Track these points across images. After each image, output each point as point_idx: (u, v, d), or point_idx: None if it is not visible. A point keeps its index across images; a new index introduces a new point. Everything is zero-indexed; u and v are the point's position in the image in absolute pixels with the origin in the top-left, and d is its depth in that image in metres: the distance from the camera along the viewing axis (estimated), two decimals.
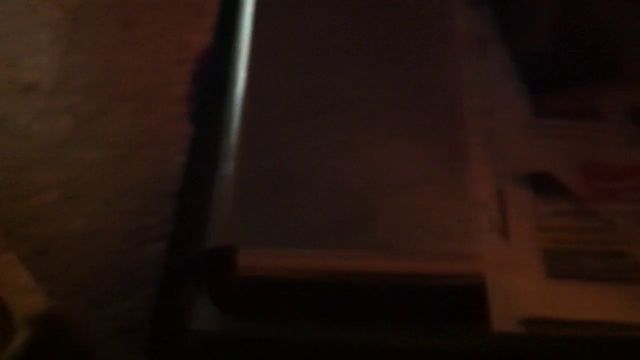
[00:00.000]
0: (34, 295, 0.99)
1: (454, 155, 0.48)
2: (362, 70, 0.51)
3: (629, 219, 0.45)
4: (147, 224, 1.01)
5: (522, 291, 0.46)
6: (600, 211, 0.45)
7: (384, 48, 0.52)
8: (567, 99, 0.50)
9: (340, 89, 0.50)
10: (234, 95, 0.51)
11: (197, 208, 0.50)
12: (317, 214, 0.44)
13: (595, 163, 0.47)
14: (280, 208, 0.45)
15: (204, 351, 0.47)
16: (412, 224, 0.45)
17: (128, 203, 1.02)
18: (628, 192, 0.47)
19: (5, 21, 1.19)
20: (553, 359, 0.43)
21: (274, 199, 0.45)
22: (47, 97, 1.10)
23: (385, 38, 0.52)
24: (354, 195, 0.45)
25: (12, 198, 1.01)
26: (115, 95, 1.11)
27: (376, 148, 0.48)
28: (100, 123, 1.08)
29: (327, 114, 0.48)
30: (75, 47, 1.16)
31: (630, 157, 0.49)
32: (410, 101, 0.50)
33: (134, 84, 1.12)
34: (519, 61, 0.52)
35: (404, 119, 0.49)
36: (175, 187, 1.07)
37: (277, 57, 0.52)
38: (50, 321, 0.96)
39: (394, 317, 0.45)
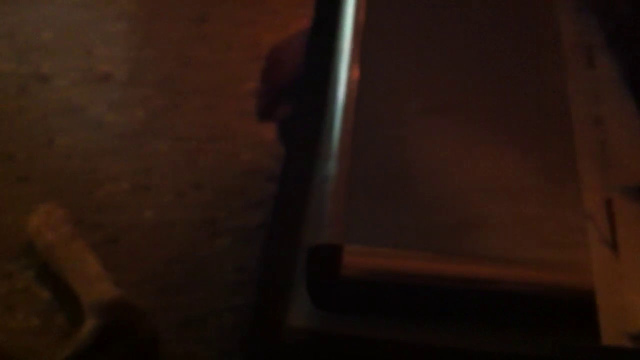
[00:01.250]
0: (103, 284, 1.01)
1: (562, 164, 0.47)
2: (471, 74, 0.50)
3: None
4: (216, 217, 1.02)
5: (633, 305, 0.45)
6: None
7: (492, 52, 0.51)
8: None
9: (449, 92, 0.49)
10: (335, 94, 0.51)
11: (294, 205, 0.50)
12: (425, 216, 0.44)
13: None
14: (387, 208, 0.44)
15: (301, 347, 0.47)
16: (520, 232, 0.45)
17: (198, 196, 1.03)
18: None
19: (81, 12, 1.21)
20: None
21: (381, 199, 0.44)
22: (121, 88, 1.12)
23: (493, 42, 0.52)
24: (463, 200, 0.45)
25: (86, 186, 1.03)
26: (188, 89, 1.13)
27: (485, 153, 0.47)
28: (172, 116, 1.09)
29: (436, 116, 0.47)
30: (150, 40, 1.18)
31: None
32: (518, 107, 0.49)
33: (206, 79, 1.14)
34: (628, 69, 0.51)
35: (512, 125, 0.49)
36: (241, 182, 1.08)
37: (385, 56, 0.51)
38: (118, 309, 0.98)
39: (496, 323, 0.44)
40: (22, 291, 0.95)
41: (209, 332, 0.93)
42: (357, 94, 0.48)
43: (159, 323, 0.92)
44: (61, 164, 1.03)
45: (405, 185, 0.45)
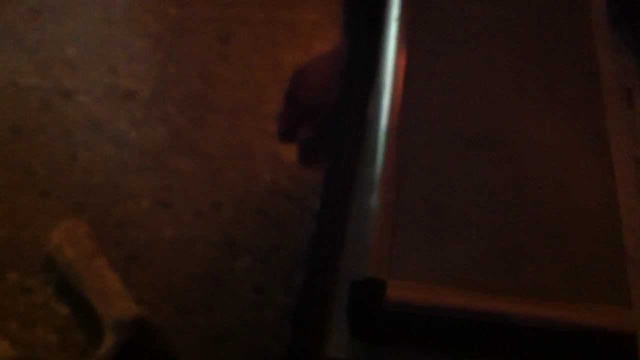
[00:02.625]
0: (123, 301, 1.01)
1: (603, 204, 0.47)
2: (514, 109, 0.51)
3: None
4: (235, 237, 1.02)
5: None
6: None
7: (535, 89, 0.52)
8: None
9: (493, 126, 0.50)
10: (377, 125, 0.51)
11: (333, 236, 0.50)
12: (468, 252, 0.44)
13: None
14: (432, 243, 0.44)
15: None
16: (562, 271, 0.45)
17: (218, 214, 1.04)
18: None
19: (105, 28, 1.22)
20: None
21: (425, 233, 0.45)
22: (144, 106, 1.13)
23: (536, 79, 0.52)
24: (506, 237, 0.45)
25: (106, 202, 1.03)
26: (210, 108, 1.13)
27: (528, 189, 0.47)
28: (194, 134, 1.10)
29: (480, 150, 0.48)
30: (173, 58, 1.18)
31: None
32: (560, 145, 0.49)
33: (228, 98, 1.14)
34: None
35: (554, 163, 0.49)
36: (261, 202, 1.09)
37: (428, 89, 0.51)
38: (138, 327, 0.98)
39: None
40: (42, 307, 0.95)
41: (226, 352, 0.92)
42: (399, 126, 0.48)
43: (176, 342, 0.93)
44: (82, 180, 1.04)
45: (448, 220, 0.45)
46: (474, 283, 0.43)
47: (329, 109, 1.07)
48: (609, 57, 0.54)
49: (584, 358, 0.43)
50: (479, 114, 0.50)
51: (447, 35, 0.54)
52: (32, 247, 0.98)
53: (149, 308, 0.92)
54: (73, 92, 1.13)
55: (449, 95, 0.51)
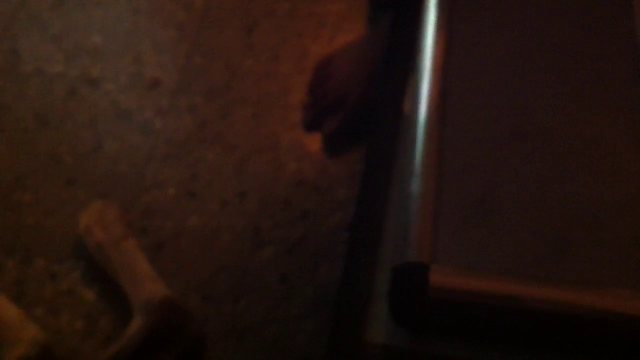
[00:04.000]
0: (153, 284, 1.01)
1: None
2: (557, 100, 0.50)
3: None
4: (261, 227, 1.02)
5: None
6: None
7: (578, 79, 0.51)
8: None
9: (536, 117, 0.50)
10: (417, 112, 0.51)
11: (373, 222, 0.50)
12: (512, 239, 0.44)
13: None
14: (474, 230, 0.44)
15: None
16: (608, 258, 0.45)
17: (243, 205, 1.04)
18: None
19: (131, 17, 1.22)
20: None
21: (469, 220, 0.45)
22: (170, 96, 1.13)
23: (580, 70, 0.52)
24: (552, 225, 0.45)
25: (132, 191, 1.03)
26: (235, 98, 1.13)
27: (572, 179, 0.47)
28: (220, 125, 1.10)
29: (524, 141, 0.48)
30: (199, 49, 1.18)
31: None
32: (601, 138, 0.49)
33: (255, 89, 1.14)
34: None
35: (597, 151, 0.49)
36: (286, 193, 1.09)
37: (470, 77, 0.51)
38: (167, 309, 0.97)
39: (581, 350, 0.44)
40: (68, 293, 0.95)
41: (252, 343, 0.92)
42: (441, 118, 0.48)
43: (206, 331, 0.93)
44: (109, 169, 1.04)
45: (492, 208, 0.45)
46: (517, 271, 0.43)
47: (356, 100, 1.07)
48: None
49: (628, 346, 0.43)
50: (521, 104, 0.50)
51: (488, 24, 0.54)
52: (59, 235, 0.99)
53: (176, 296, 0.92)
54: (99, 81, 1.14)
55: (490, 85, 0.51)
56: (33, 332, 0.88)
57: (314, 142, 1.08)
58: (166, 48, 1.19)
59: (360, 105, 1.06)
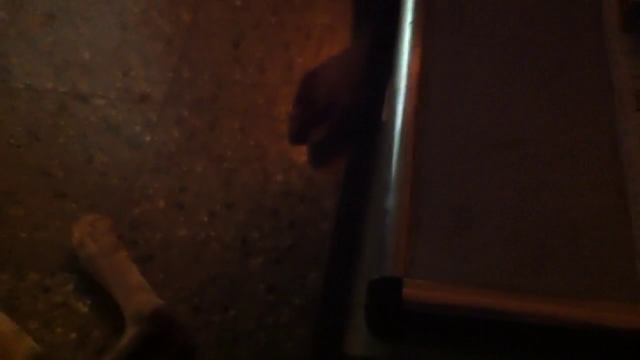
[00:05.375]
0: (144, 294, 1.02)
1: (616, 206, 0.49)
2: (532, 112, 0.52)
3: None
4: (249, 237, 1.04)
5: None
6: None
7: (549, 91, 0.53)
8: None
9: (511, 129, 0.51)
10: (393, 126, 0.52)
11: (352, 235, 0.52)
12: (489, 251, 0.45)
13: None
14: (452, 243, 0.45)
15: None
16: (579, 270, 0.46)
17: (231, 215, 1.05)
18: None
19: (119, 32, 1.24)
20: None
21: (447, 233, 0.46)
22: (159, 109, 1.15)
23: (552, 83, 0.53)
24: (529, 236, 0.46)
25: (122, 203, 1.05)
26: (224, 110, 1.15)
27: (546, 190, 0.49)
28: (207, 136, 1.11)
29: (499, 152, 0.49)
30: (187, 62, 1.20)
31: None
32: (574, 147, 0.51)
33: (242, 101, 1.16)
34: None
35: (571, 163, 0.50)
36: (274, 203, 1.10)
37: (445, 90, 0.52)
38: (159, 319, 0.99)
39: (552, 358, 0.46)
40: (61, 305, 0.97)
41: (242, 351, 0.94)
42: (417, 128, 0.50)
43: (195, 340, 0.94)
44: (99, 182, 1.06)
45: (469, 219, 0.46)
46: (491, 282, 0.44)
47: (340, 111, 1.08)
48: (620, 60, 0.55)
49: (601, 354, 0.45)
50: (498, 115, 0.52)
51: (462, 38, 0.56)
52: (50, 248, 1.00)
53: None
54: (88, 96, 1.15)
55: (465, 97, 0.53)
56: (28, 345, 0.90)
57: (300, 153, 1.10)
58: (154, 61, 1.20)
59: (346, 115, 1.07)
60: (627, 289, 0.45)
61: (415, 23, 0.57)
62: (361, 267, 0.50)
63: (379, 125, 0.57)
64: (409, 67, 0.54)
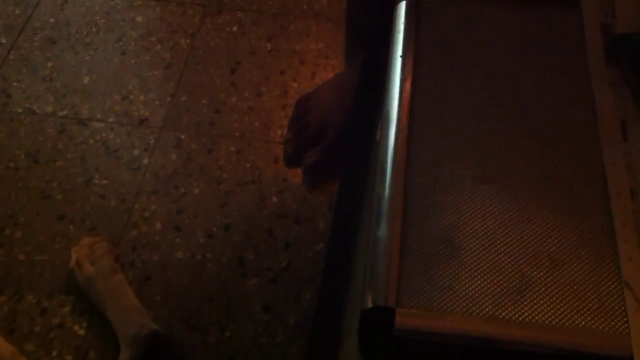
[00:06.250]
0: (139, 317, 1.04)
1: (601, 233, 0.50)
2: (516, 145, 0.54)
3: None
4: (245, 258, 1.05)
5: None
6: None
7: (535, 125, 0.55)
8: None
9: (496, 161, 0.53)
10: (384, 157, 0.54)
11: (344, 259, 0.54)
12: (475, 280, 0.47)
13: None
14: (440, 272, 0.47)
15: None
16: (562, 299, 0.48)
17: (228, 237, 1.07)
18: None
19: (119, 57, 1.27)
20: None
21: (434, 262, 0.47)
22: (157, 132, 1.17)
23: (536, 116, 0.56)
24: (512, 265, 0.48)
25: (121, 225, 1.06)
26: (220, 134, 1.17)
27: (530, 220, 0.51)
28: (204, 159, 1.14)
29: (485, 184, 0.51)
30: (185, 87, 1.23)
31: None
32: (560, 178, 0.52)
33: (238, 125, 1.18)
34: None
35: (554, 194, 0.52)
36: (269, 224, 1.12)
37: (433, 123, 0.55)
38: (153, 342, 1.01)
39: None
40: (58, 327, 0.98)
41: None
42: (406, 159, 0.52)
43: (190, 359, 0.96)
44: (97, 204, 1.08)
45: (455, 251, 0.48)
46: (479, 311, 0.46)
47: (334, 134, 1.11)
48: (605, 91, 0.58)
49: None
50: (479, 146, 0.54)
51: (448, 71, 0.58)
52: (49, 270, 1.02)
53: (163, 328, 0.95)
54: (88, 119, 1.18)
55: (450, 129, 0.55)
56: None
57: (295, 175, 1.12)
58: (153, 87, 1.23)
59: (339, 138, 1.10)
60: (610, 318, 0.47)
61: (404, 56, 0.59)
62: (353, 292, 0.52)
63: (371, 147, 0.59)
64: (399, 99, 0.56)
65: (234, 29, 1.30)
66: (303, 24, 1.30)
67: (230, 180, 1.11)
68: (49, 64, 1.26)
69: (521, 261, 0.48)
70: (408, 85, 0.57)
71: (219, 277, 1.01)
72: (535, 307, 0.47)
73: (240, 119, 1.19)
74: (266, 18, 1.31)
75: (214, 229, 1.06)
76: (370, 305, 0.47)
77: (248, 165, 1.13)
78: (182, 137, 1.16)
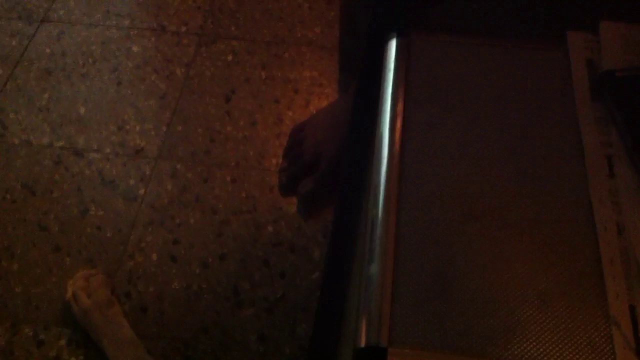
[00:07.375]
0: (134, 349, 1.05)
1: (589, 271, 0.51)
2: (505, 183, 0.55)
3: None
4: (241, 288, 1.06)
5: None
6: None
7: (524, 163, 0.56)
8: None
9: (486, 199, 0.54)
10: (376, 195, 0.55)
11: (336, 301, 0.54)
12: (465, 319, 0.48)
13: None
14: (430, 310, 0.48)
15: None
16: (553, 337, 0.48)
17: (223, 266, 1.08)
18: None
19: (114, 88, 1.28)
20: None
21: (425, 301, 0.48)
22: (153, 162, 1.18)
23: (524, 154, 0.57)
24: (501, 303, 0.49)
25: (117, 256, 1.07)
26: (215, 163, 1.18)
27: (519, 258, 0.51)
28: (200, 189, 1.14)
29: (475, 222, 0.52)
30: (180, 116, 1.24)
31: None
32: (547, 215, 0.53)
33: (233, 154, 1.19)
34: None
35: (541, 232, 0.53)
36: (264, 253, 1.13)
37: (424, 162, 0.56)
38: None
39: None
40: (54, 359, 0.98)
41: None
42: (397, 198, 0.52)
43: None
44: (93, 235, 1.09)
45: (446, 290, 0.49)
46: (470, 349, 0.47)
47: (328, 163, 1.11)
48: (591, 127, 0.59)
49: None
50: (468, 184, 0.55)
51: (437, 110, 0.59)
52: (45, 302, 1.02)
53: (159, 358, 0.95)
54: (84, 150, 1.19)
55: (440, 167, 0.56)
56: None
57: (290, 203, 1.13)
58: (148, 116, 1.24)
59: (333, 166, 1.11)
60: (601, 356, 0.47)
61: (394, 94, 0.60)
62: (345, 330, 0.52)
63: (364, 176, 0.59)
64: (390, 138, 0.57)
65: (229, 57, 1.32)
66: (297, 52, 1.31)
67: (226, 209, 1.12)
68: (45, 95, 1.27)
69: (511, 299, 0.49)
70: (399, 123, 0.57)
71: (215, 308, 1.02)
72: (525, 345, 0.48)
73: (235, 147, 1.19)
74: (260, 46, 1.33)
75: (210, 259, 1.06)
76: (362, 344, 0.48)
77: (243, 194, 1.14)
78: (178, 166, 1.17)
